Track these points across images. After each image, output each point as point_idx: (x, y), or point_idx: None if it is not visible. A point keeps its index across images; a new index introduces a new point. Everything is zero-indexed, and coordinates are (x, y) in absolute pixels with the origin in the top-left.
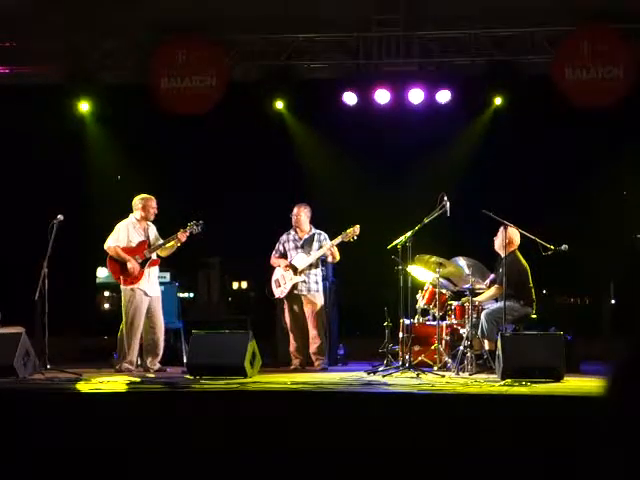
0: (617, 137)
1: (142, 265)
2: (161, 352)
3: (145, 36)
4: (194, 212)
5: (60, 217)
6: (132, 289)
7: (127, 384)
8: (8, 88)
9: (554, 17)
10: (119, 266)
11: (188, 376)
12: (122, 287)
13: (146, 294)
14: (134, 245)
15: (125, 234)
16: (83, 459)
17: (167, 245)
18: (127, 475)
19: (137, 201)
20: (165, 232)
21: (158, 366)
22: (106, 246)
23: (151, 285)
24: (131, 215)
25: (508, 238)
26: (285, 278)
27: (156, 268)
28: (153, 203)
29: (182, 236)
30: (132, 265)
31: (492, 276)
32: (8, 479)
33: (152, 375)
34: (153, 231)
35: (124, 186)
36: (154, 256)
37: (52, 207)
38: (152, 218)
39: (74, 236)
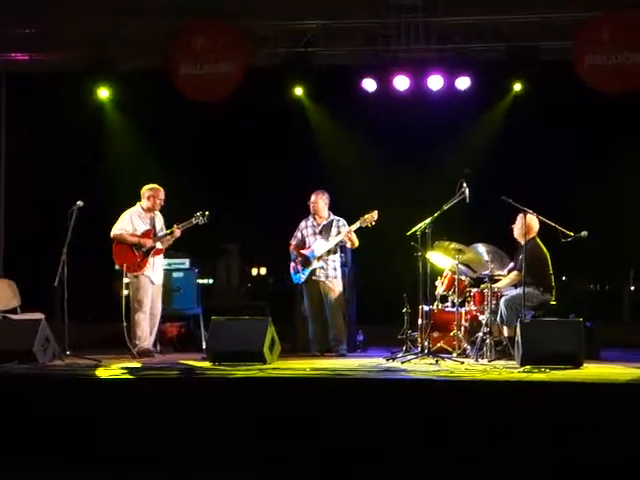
0: (638, 123)
1: (146, 254)
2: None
3: (164, 22)
4: (212, 199)
5: (79, 203)
6: (136, 276)
7: (144, 370)
8: (27, 75)
9: (574, 2)
10: (124, 255)
11: (207, 362)
12: (128, 275)
13: (151, 281)
14: (139, 234)
15: (130, 222)
16: (101, 444)
17: (165, 238)
18: (147, 459)
19: (145, 191)
20: (182, 219)
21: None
22: (112, 234)
23: (155, 274)
24: (138, 204)
25: (527, 225)
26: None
27: (161, 257)
28: (161, 194)
29: (177, 232)
30: (142, 240)
31: (512, 264)
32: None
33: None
34: (160, 221)
35: (143, 172)
36: (159, 245)
37: (71, 193)
38: (158, 209)
39: (93, 222)
